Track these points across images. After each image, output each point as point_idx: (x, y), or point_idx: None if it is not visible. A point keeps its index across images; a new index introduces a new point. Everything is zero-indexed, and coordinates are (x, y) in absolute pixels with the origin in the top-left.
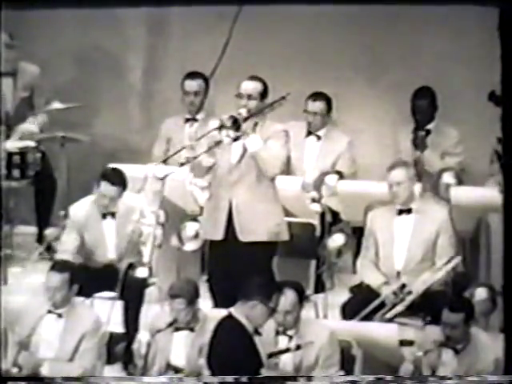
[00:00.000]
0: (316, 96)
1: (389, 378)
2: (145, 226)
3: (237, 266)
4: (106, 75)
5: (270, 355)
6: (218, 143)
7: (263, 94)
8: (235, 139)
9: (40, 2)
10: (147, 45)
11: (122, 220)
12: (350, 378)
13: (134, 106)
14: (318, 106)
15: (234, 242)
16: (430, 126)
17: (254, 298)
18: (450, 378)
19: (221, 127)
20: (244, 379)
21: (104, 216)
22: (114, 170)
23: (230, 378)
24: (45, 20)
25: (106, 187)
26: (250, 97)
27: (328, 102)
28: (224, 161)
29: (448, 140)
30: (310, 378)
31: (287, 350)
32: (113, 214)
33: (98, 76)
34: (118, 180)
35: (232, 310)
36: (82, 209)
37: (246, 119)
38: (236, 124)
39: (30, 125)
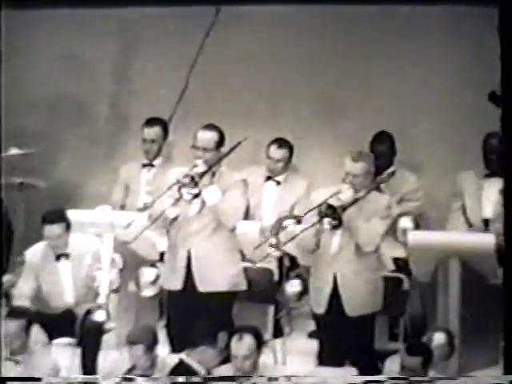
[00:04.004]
0: (280, 143)
1: (383, 377)
2: (99, 271)
3: (196, 315)
4: (65, 121)
5: None
6: (179, 199)
7: (219, 143)
8: (195, 196)
9: None
10: (109, 91)
11: (76, 262)
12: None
13: (93, 152)
14: (282, 153)
15: (193, 291)
16: (388, 171)
17: (200, 343)
18: (439, 378)
19: (179, 186)
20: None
21: (58, 258)
22: (52, 211)
23: None
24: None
25: (48, 229)
26: (205, 149)
27: (290, 148)
28: (183, 213)
29: (407, 185)
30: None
31: None
32: (67, 256)
33: (57, 121)
34: (57, 218)
35: (183, 355)
36: (37, 252)
37: (203, 174)
38: (193, 181)
39: None
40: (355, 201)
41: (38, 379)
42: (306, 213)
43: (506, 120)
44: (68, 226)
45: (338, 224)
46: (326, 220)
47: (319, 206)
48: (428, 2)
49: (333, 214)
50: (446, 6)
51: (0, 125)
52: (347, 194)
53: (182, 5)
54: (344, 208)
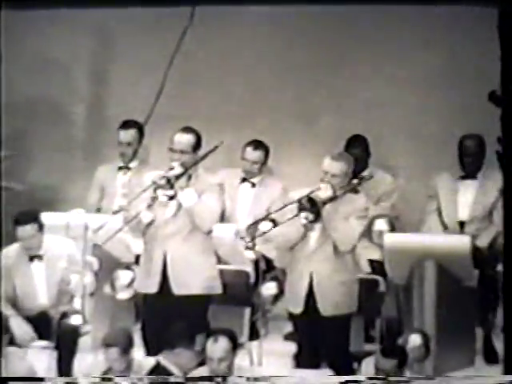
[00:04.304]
0: (256, 145)
1: (362, 377)
2: (73, 274)
3: (171, 318)
4: (42, 123)
5: None
6: (154, 199)
7: (196, 146)
8: (171, 197)
9: None
10: (86, 93)
11: (50, 264)
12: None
13: (69, 154)
14: (258, 155)
15: (168, 294)
16: (364, 173)
17: (178, 345)
18: (417, 378)
19: (155, 188)
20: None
21: (31, 259)
22: (24, 212)
23: None
24: None
25: (20, 230)
26: (182, 151)
27: (266, 150)
28: (159, 215)
29: (383, 186)
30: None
31: None
32: (40, 257)
33: (33, 124)
34: (30, 219)
35: (160, 358)
36: (10, 253)
37: (179, 176)
38: (169, 183)
39: None
40: (333, 198)
41: (41, 379)
42: (285, 206)
43: (506, 120)
44: (41, 227)
45: (314, 219)
46: (304, 214)
47: (300, 199)
48: (428, 2)
49: (312, 207)
50: (445, 6)
51: (0, 125)
52: (326, 192)
53: (159, 5)
54: (324, 202)
